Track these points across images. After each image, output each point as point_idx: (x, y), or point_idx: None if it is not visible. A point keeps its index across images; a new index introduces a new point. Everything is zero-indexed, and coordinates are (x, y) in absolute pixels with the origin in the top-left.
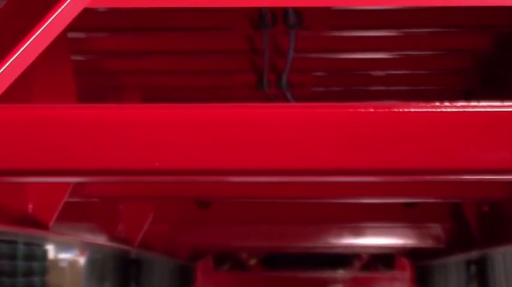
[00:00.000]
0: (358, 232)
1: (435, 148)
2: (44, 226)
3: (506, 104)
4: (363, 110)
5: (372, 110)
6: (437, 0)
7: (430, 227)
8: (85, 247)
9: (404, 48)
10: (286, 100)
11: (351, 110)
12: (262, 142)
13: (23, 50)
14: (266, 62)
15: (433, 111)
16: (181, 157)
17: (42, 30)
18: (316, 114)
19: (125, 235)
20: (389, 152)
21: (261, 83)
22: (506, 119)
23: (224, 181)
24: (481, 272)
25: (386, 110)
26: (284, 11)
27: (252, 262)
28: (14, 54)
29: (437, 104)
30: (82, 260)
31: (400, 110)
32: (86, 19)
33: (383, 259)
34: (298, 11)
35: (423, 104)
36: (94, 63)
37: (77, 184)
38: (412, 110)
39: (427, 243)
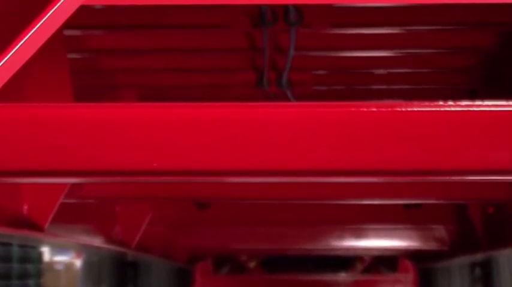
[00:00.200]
0: (360, 234)
1: (439, 148)
2: (39, 228)
3: (511, 103)
4: (364, 110)
5: (374, 109)
6: None
7: (434, 229)
8: (81, 249)
9: (407, 46)
10: (287, 99)
11: (352, 109)
12: (262, 142)
13: (18, 48)
14: (266, 60)
15: (437, 111)
16: (179, 157)
17: (38, 27)
18: (317, 113)
19: (122, 236)
20: (391, 152)
21: (261, 81)
22: (510, 118)
23: (223, 181)
24: (485, 275)
25: (389, 109)
26: (284, 8)
27: (252, 264)
28: (10, 52)
29: (441, 103)
30: (78, 263)
31: (403, 109)
32: (82, 16)
33: (385, 261)
34: (299, 8)
35: (426, 103)
36: (90, 61)
37: (73, 185)
38: (415, 109)
39: (431, 245)
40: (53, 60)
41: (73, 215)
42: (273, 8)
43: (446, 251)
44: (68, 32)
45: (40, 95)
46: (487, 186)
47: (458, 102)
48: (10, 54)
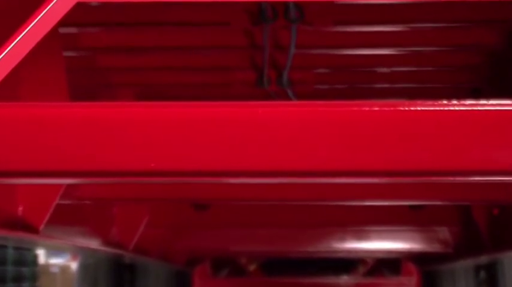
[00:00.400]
0: (362, 236)
1: (443, 148)
2: (34, 230)
3: None
4: (367, 109)
5: (377, 108)
6: None
7: (438, 231)
8: (77, 251)
9: (411, 44)
10: (287, 98)
11: (354, 108)
12: (262, 142)
13: (13, 46)
14: (266, 58)
15: (440, 110)
16: (177, 157)
17: (34, 25)
18: (318, 113)
19: (118, 239)
20: (394, 153)
21: (261, 80)
22: None
23: (222, 182)
24: (490, 277)
25: (392, 108)
26: (285, 4)
27: (252, 267)
28: (4, 50)
29: (445, 102)
30: (74, 266)
31: (406, 108)
32: (78, 14)
33: (388, 264)
34: (300, 5)
35: (430, 103)
36: (86, 59)
37: (69, 186)
38: (418, 108)
39: (435, 247)
40: (48, 58)
41: (69, 216)
42: (273, 4)
43: (450, 253)
44: (63, 30)
45: (35, 94)
46: (491, 187)
47: (463, 102)
48: (5, 52)
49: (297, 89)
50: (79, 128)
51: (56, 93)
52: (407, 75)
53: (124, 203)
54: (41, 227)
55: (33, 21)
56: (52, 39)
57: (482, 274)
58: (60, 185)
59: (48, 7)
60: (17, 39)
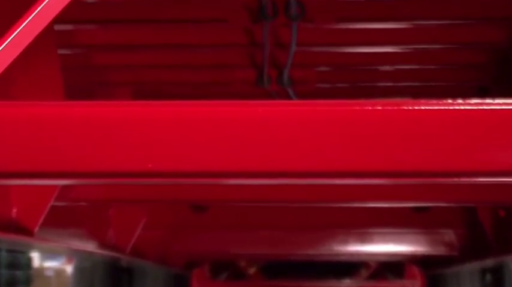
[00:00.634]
0: (365, 239)
1: (447, 148)
2: (28, 232)
3: None
4: (370, 108)
5: (380, 107)
6: None
7: (443, 233)
8: (72, 254)
9: (414, 42)
10: (288, 97)
11: (357, 108)
12: (262, 142)
13: (7, 44)
14: (266, 56)
15: (445, 109)
16: (175, 158)
17: (28, 22)
18: (319, 112)
19: (115, 241)
20: (398, 153)
21: (260, 79)
22: None
23: (222, 183)
24: (497, 281)
25: (395, 107)
26: (285, 1)
27: (252, 270)
28: None
29: (450, 101)
30: (69, 269)
31: (410, 107)
32: (73, 10)
33: (392, 267)
34: (301, 2)
35: (434, 102)
36: (82, 57)
37: (64, 187)
38: (422, 107)
39: (439, 250)
40: (43, 56)
41: (64, 218)
42: (274, 1)
43: (455, 256)
44: (58, 27)
45: (29, 92)
46: (498, 188)
47: (468, 101)
48: None
49: (297, 88)
50: (74, 128)
51: (51, 92)
52: (411, 73)
53: (121, 204)
54: (36, 229)
55: (28, 18)
56: (47, 36)
57: (488, 277)
58: (55, 187)
59: (43, 3)
60: (11, 37)
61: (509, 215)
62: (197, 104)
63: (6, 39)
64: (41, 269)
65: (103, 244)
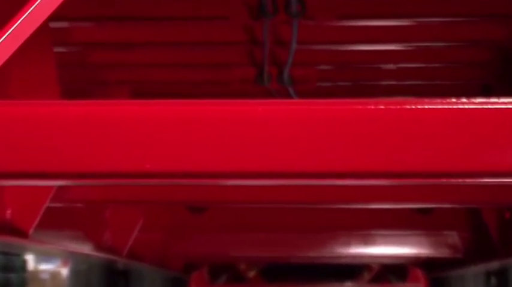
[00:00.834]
0: (367, 241)
1: (452, 149)
2: (23, 234)
3: None
4: (372, 107)
5: (382, 107)
6: None
7: (446, 235)
8: (68, 256)
9: (417, 40)
10: (289, 96)
11: (359, 107)
12: (262, 142)
13: (1, 41)
14: (266, 54)
15: (449, 108)
16: (174, 158)
17: (23, 19)
18: (321, 111)
19: (112, 243)
20: (401, 153)
21: (261, 77)
22: None
23: (221, 184)
24: (502, 284)
25: (398, 106)
26: None
27: (251, 273)
28: None
29: (454, 100)
30: (65, 272)
31: (413, 106)
32: (69, 8)
33: (395, 269)
34: None
35: (438, 100)
36: (78, 55)
37: (60, 188)
38: (425, 106)
39: (443, 252)
40: (38, 54)
41: (59, 220)
42: None
43: (459, 259)
44: (54, 24)
45: (25, 91)
46: (503, 189)
47: (472, 99)
48: None
49: (298, 86)
50: (71, 128)
51: (47, 90)
52: (414, 71)
53: (117, 205)
54: (30, 231)
55: (22, 15)
56: (42, 34)
57: (493, 280)
58: (50, 187)
59: (38, 0)
60: (5, 35)
61: None
62: (196, 103)
63: (1, 37)
64: (36, 272)
65: (99, 246)
